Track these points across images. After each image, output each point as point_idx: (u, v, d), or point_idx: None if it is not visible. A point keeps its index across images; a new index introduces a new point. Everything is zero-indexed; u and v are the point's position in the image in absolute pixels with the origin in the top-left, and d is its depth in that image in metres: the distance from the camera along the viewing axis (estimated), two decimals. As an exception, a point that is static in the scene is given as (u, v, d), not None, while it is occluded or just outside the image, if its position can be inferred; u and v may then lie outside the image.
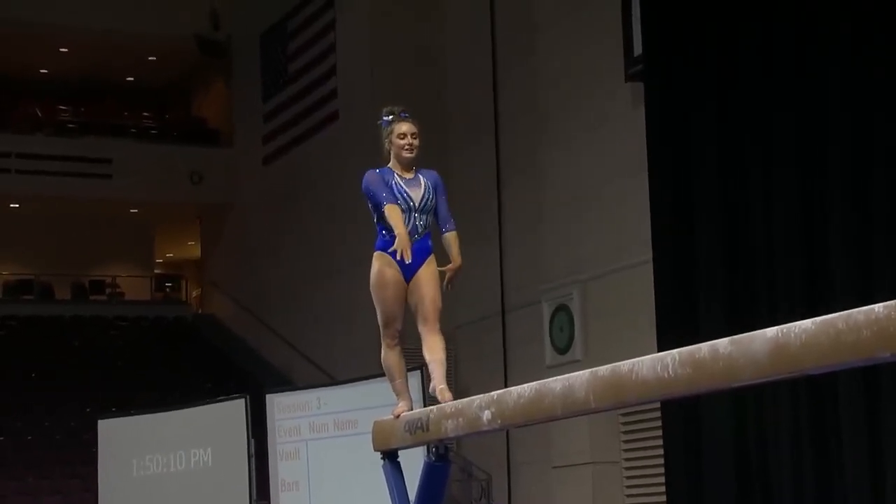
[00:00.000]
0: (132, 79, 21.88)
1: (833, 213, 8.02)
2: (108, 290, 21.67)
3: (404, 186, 5.23)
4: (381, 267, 5.18)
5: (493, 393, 4.52)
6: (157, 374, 16.87)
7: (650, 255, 9.70)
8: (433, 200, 5.28)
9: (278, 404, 11.27)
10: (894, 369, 4.07)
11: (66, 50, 20.44)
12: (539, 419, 4.44)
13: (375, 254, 5.23)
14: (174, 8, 18.47)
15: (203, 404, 11.59)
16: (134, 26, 18.79)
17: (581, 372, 4.17)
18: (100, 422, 11.84)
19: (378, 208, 5.18)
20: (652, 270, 9.64)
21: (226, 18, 18.61)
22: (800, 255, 8.27)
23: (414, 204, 5.23)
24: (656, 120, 9.65)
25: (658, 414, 9.73)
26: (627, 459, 11.01)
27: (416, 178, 5.28)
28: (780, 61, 8.50)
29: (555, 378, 4.25)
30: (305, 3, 15.91)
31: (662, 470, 9.62)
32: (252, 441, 10.98)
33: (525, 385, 4.39)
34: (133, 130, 20.67)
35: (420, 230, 5.25)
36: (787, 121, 8.43)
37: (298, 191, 16.12)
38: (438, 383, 5.08)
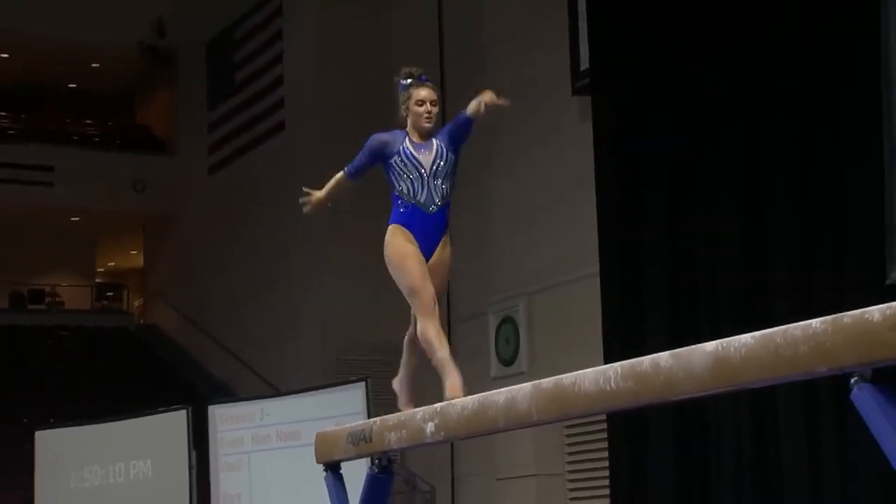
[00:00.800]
0: (75, 85, 21.70)
1: (775, 229, 8.13)
2: (47, 300, 21.45)
3: (413, 151, 4.90)
4: (399, 240, 4.88)
5: (436, 405, 4.53)
6: (97, 384, 16.71)
7: (597, 269, 9.77)
8: (448, 159, 4.95)
9: (221, 416, 11.20)
10: (832, 383, 4.13)
11: (6, 55, 20.23)
12: (482, 431, 4.46)
13: (391, 227, 4.93)
14: (119, 15, 18.35)
15: (144, 415, 11.49)
16: (77, 33, 18.65)
17: (524, 384, 4.20)
18: (37, 433, 11.70)
19: (385, 169, 4.92)
20: (598, 283, 9.71)
21: (171, 26, 18.52)
22: (743, 270, 8.37)
23: (425, 170, 4.90)
24: (603, 133, 9.73)
25: (603, 426, 9.80)
26: (571, 472, 11.07)
27: (429, 142, 4.94)
28: (727, 77, 8.61)
29: (498, 390, 4.27)
30: (252, 13, 15.86)
31: (607, 482, 9.68)
32: (193, 452, 10.91)
33: (468, 397, 4.41)
34: (75, 138, 20.49)
35: (437, 199, 4.92)
36: (732, 137, 8.54)
37: (244, 201, 16.06)
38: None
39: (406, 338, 5.06)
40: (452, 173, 5.00)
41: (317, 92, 14.43)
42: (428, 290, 4.79)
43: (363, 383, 10.83)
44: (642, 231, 9.23)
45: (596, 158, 9.82)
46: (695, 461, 8.66)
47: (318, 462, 5.13)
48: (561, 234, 11.13)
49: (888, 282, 7.24)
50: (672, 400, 3.77)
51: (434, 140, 4.96)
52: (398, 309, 15.44)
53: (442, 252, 4.93)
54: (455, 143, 4.99)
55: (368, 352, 13.41)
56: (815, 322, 3.11)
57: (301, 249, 14.41)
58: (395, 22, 14.23)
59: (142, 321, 21.20)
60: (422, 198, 4.90)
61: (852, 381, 3.01)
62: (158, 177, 19.09)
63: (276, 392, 13.09)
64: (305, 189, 5.21)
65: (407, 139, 4.94)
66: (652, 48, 9.24)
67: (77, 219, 20.81)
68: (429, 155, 4.92)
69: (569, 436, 10.96)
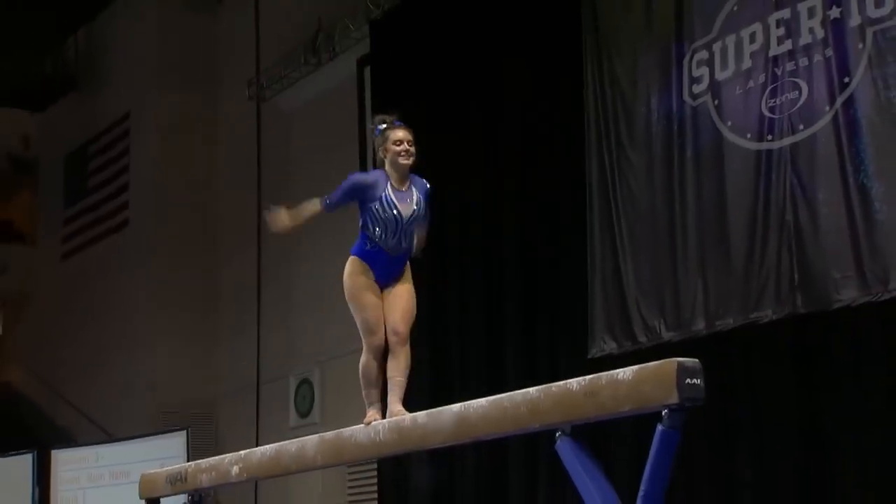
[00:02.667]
0: (-51, 186, 20.47)
1: (510, 318, 8.32)
2: (-85, 361, 19.83)
3: (394, 200, 4.12)
4: (353, 272, 4.17)
5: (241, 452, 4.43)
6: (-45, 434, 15.49)
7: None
8: (422, 210, 4.17)
9: (62, 458, 10.66)
10: (548, 437, 4.25)
11: None
12: (277, 473, 4.40)
13: (352, 258, 4.20)
14: (-10, 130, 17.58)
15: (-6, 459, 10.81)
16: (-49, 143, 17.72)
17: (312, 436, 4.17)
18: None
19: (361, 207, 4.12)
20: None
21: (36, 141, 17.87)
22: (485, 349, 8.54)
23: (402, 220, 4.12)
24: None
25: (376, 466, 9.74)
26: (351, 502, 10.92)
27: (409, 192, 4.15)
28: (473, 202, 8.85)
29: (291, 441, 4.22)
30: (104, 133, 15.50)
31: (378, 513, 9.61)
32: (37, 489, 10.30)
33: (267, 446, 4.34)
34: (-57, 232, 19.27)
35: (405, 245, 4.17)
36: (477, 278, 8.63)
37: (91, 282, 15.44)
38: (394, 405, 4.00)
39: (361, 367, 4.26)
40: (423, 220, 4.22)
41: (155, 197, 14.15)
42: (378, 329, 4.12)
43: (184, 432, 10.51)
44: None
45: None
46: (444, 496, 8.69)
47: (140, 498, 4.91)
48: (348, 314, 11.07)
49: (589, 356, 7.51)
50: (426, 448, 3.81)
51: (413, 190, 4.18)
52: (213, 372, 14.86)
53: (402, 283, 4.20)
54: (426, 205, 4.23)
55: (189, 406, 13.01)
56: (532, 390, 3.22)
57: (136, 322, 13.97)
58: (222, 147, 14.10)
59: (-3, 380, 19.89)
60: (391, 243, 4.15)
61: (557, 435, 3.10)
62: (19, 262, 18.08)
63: (111, 439, 12.47)
64: (272, 208, 4.34)
65: (389, 185, 4.14)
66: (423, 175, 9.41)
67: (-56, 295, 19.48)
68: (409, 206, 4.13)
69: (350, 473, 10.84)
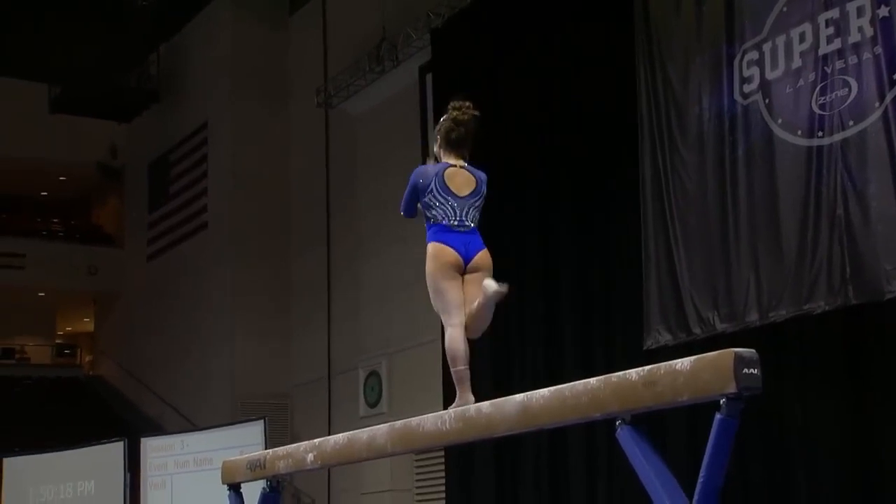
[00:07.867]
0: (46, 193, 20.99)
1: (567, 315, 8.24)
2: (16, 356, 20.40)
3: (446, 180, 3.79)
4: (436, 253, 3.79)
5: (315, 440, 4.43)
6: (54, 422, 15.89)
7: (439, 336, 9.75)
8: (481, 193, 3.81)
9: (150, 446, 10.82)
10: (606, 425, 4.18)
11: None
12: (350, 461, 4.37)
13: (429, 245, 3.81)
14: (82, 141, 17.96)
15: (89, 446, 11.01)
16: (50, 154, 18.15)
17: (382, 425, 4.14)
18: (5, 459, 11.10)
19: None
20: (440, 347, 9.69)
21: (122, 150, 18.23)
22: (544, 342, 8.47)
23: (456, 195, 3.75)
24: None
25: (442, 453, 9.74)
26: (418, 488, 10.94)
27: (464, 170, 3.83)
28: (532, 202, 8.78)
29: (363, 429, 4.20)
30: (185, 142, 15.74)
31: (443, 496, 9.60)
32: (128, 474, 10.48)
33: (340, 435, 4.32)
34: (44, 233, 19.78)
35: (468, 222, 3.79)
36: (535, 273, 8.53)
37: (174, 281, 15.70)
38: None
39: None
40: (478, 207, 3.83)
41: (231, 202, 14.33)
42: (459, 304, 3.76)
43: (262, 421, 10.61)
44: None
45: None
46: (507, 482, 8.65)
47: (223, 483, 4.95)
48: (411, 311, 11.13)
49: (644, 348, 7.41)
50: (491, 437, 3.76)
51: (470, 170, 3.85)
52: (288, 364, 15.03)
53: (480, 259, 3.82)
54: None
55: (265, 397, 13.16)
56: (592, 380, 3.15)
57: (215, 319, 14.15)
58: (293, 152, 14.23)
59: (90, 373, 20.33)
60: (454, 221, 3.82)
61: (617, 423, 3.04)
62: (108, 263, 18.50)
63: (195, 427, 12.65)
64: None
65: (447, 168, 3.88)
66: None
67: (42, 294, 19.95)
68: (466, 185, 3.81)
69: (417, 460, 10.86)
